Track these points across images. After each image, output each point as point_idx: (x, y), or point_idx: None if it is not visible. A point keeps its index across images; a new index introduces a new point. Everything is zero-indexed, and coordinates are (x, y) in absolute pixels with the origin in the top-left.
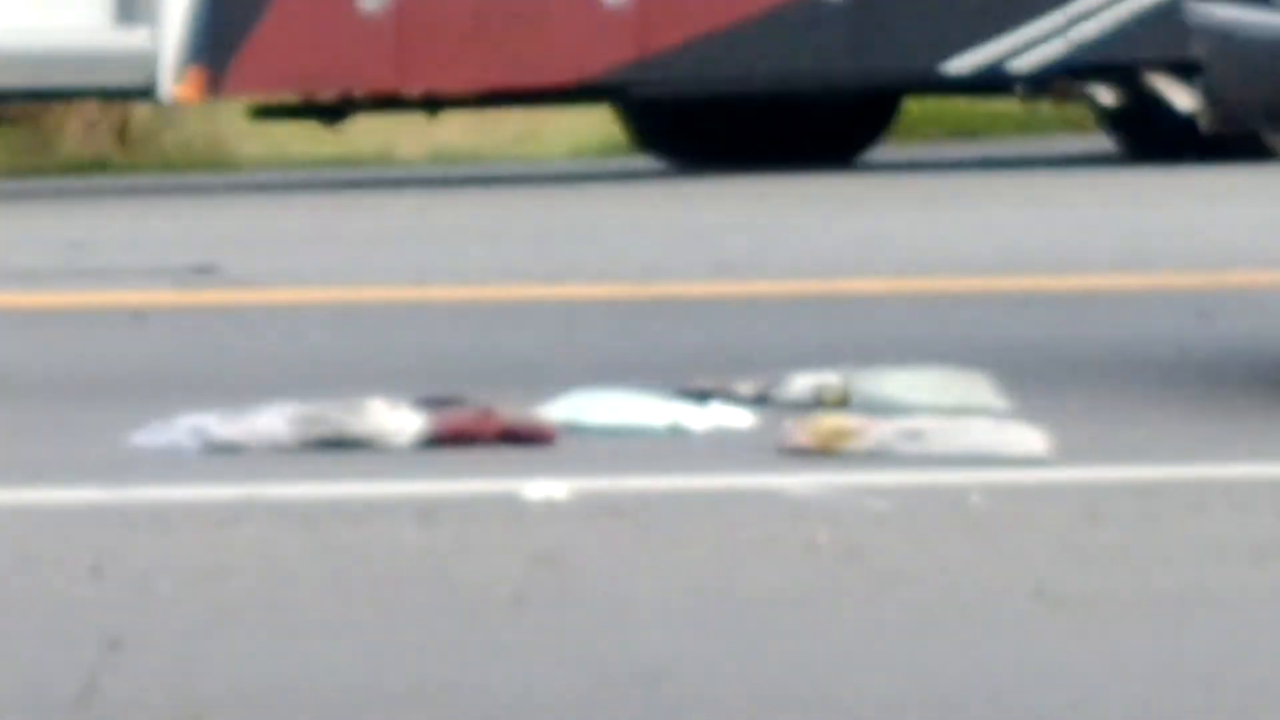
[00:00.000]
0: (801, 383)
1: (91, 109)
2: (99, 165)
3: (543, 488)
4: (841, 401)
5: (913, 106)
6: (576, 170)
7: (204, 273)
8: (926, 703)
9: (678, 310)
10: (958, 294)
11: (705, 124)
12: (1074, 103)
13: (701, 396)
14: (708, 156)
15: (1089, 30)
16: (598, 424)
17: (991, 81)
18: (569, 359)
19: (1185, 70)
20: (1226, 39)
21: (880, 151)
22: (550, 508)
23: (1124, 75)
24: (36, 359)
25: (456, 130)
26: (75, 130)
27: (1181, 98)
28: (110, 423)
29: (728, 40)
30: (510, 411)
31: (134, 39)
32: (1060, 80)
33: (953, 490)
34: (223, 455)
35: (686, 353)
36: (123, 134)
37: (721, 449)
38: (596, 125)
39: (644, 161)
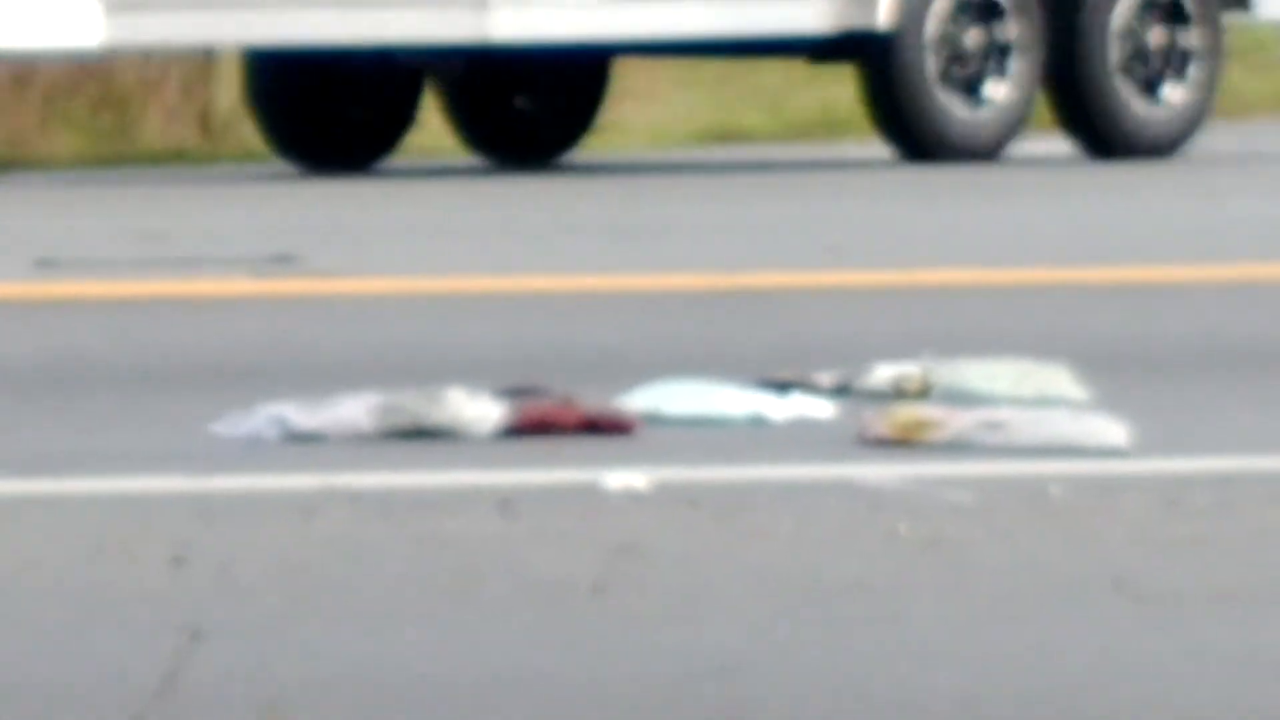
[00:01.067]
0: (882, 373)
1: (173, 97)
2: (180, 154)
3: (622, 478)
4: (921, 392)
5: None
6: (657, 160)
7: (284, 262)
8: (1005, 695)
9: (759, 301)
10: (1038, 285)
11: None
12: None
13: (782, 387)
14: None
15: None
16: (678, 414)
17: None
18: (649, 349)
19: None
20: None
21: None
22: (630, 498)
23: None
24: (117, 349)
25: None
26: (156, 119)
27: None
28: (191, 412)
29: None
30: (590, 401)
31: None
32: None
33: (1032, 481)
34: (303, 445)
35: (767, 344)
36: (204, 123)
37: (801, 440)
38: (676, 117)
39: (723, 151)
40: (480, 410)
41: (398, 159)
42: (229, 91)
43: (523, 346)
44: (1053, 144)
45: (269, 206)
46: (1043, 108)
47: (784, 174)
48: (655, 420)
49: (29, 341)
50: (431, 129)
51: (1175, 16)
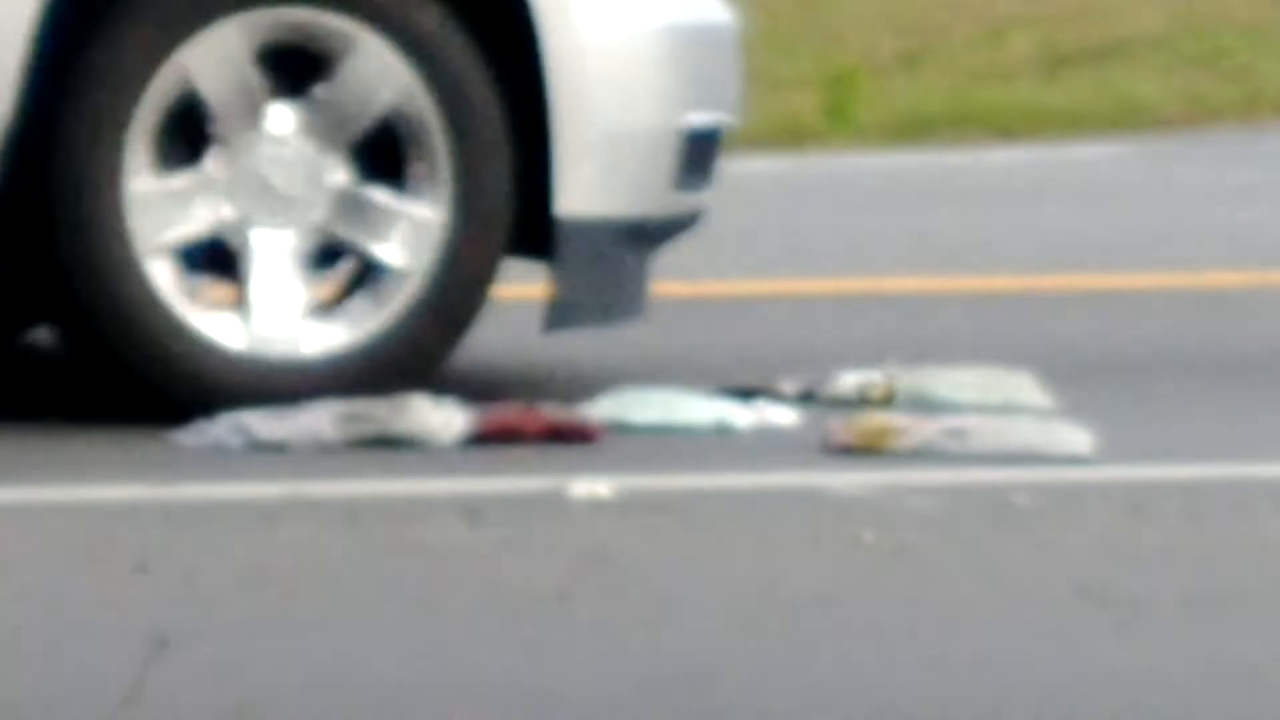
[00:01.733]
0: (847, 381)
1: None
2: None
3: (587, 485)
4: (886, 400)
5: (956, 105)
6: None
7: None
8: (971, 701)
9: (722, 308)
10: (1002, 292)
11: None
12: None
13: (746, 394)
14: None
15: None
16: (642, 422)
17: None
18: (613, 357)
19: None
20: None
21: (926, 148)
22: (595, 505)
23: None
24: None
25: None
26: None
27: None
28: (155, 420)
29: None
30: (554, 409)
31: None
32: None
33: (997, 489)
34: (267, 453)
35: (731, 351)
36: None
37: (766, 447)
38: None
39: None
40: (445, 418)
41: None
42: None
43: (488, 355)
44: (1014, 152)
45: None
46: (979, 114)
47: (748, 181)
48: (620, 428)
49: None
50: None
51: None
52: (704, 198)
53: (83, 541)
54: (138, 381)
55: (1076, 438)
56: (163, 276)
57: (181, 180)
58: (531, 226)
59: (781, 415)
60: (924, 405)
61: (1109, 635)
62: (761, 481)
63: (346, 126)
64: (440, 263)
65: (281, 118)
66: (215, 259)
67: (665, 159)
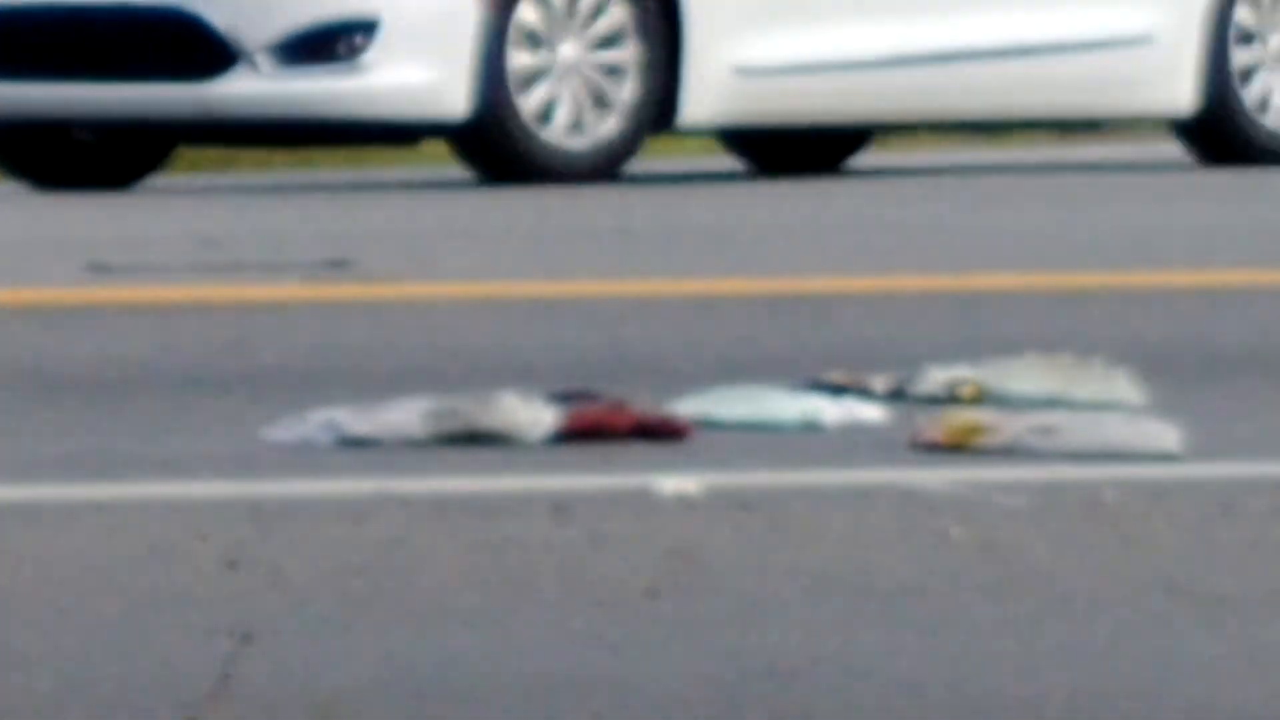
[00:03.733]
0: (935, 378)
1: None
2: (230, 160)
3: (675, 482)
4: (976, 397)
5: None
6: (710, 164)
7: (337, 267)
8: (1060, 698)
9: (812, 305)
10: (1091, 289)
11: None
12: None
13: (834, 391)
14: None
15: None
16: (730, 419)
17: None
18: (702, 354)
19: None
20: None
21: (1010, 146)
22: (683, 502)
23: None
24: (169, 353)
25: None
26: None
27: None
28: (242, 417)
29: None
30: (642, 406)
31: None
32: None
33: (1086, 486)
34: (355, 450)
35: (819, 348)
36: None
37: (854, 444)
38: None
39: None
40: (532, 415)
41: (450, 166)
42: None
43: (575, 351)
44: (1102, 149)
45: (321, 212)
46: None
47: (836, 178)
48: (708, 425)
49: (83, 346)
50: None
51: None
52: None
53: (171, 539)
54: None
55: (1166, 435)
56: None
57: None
58: None
59: (870, 412)
60: (1013, 402)
61: (1197, 631)
62: (849, 478)
63: None
64: None
65: None
66: None
67: None
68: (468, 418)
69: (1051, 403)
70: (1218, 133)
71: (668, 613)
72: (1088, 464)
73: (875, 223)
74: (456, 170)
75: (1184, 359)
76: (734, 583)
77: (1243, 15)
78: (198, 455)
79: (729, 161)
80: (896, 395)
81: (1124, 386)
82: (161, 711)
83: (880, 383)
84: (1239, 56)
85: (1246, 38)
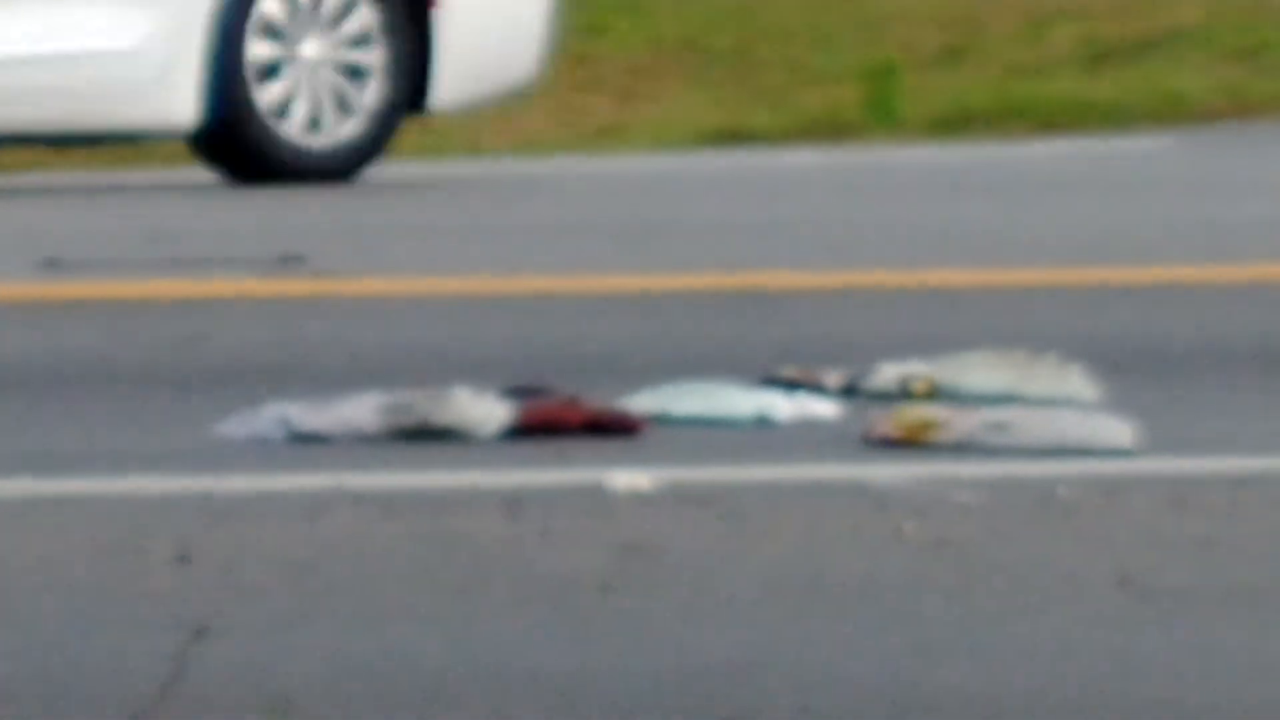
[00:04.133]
0: (888, 373)
1: None
2: (186, 154)
3: (628, 478)
4: (929, 393)
5: (997, 98)
6: (662, 160)
7: (290, 263)
8: (1014, 693)
9: (764, 301)
10: (1046, 285)
11: None
12: None
13: (788, 387)
14: None
15: None
16: (683, 414)
17: None
18: (655, 349)
19: None
20: None
21: (968, 141)
22: (636, 498)
23: None
24: (122, 349)
25: (542, 122)
26: None
27: None
28: (196, 412)
29: None
30: (596, 401)
31: None
32: None
33: (1039, 482)
34: (308, 445)
35: (773, 344)
36: None
37: (807, 440)
38: (681, 118)
39: (729, 151)
40: (486, 410)
41: (405, 158)
42: None
43: (528, 346)
44: (1055, 146)
45: (275, 207)
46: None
47: (790, 174)
48: (661, 420)
49: (34, 341)
50: (441, 128)
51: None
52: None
53: (123, 533)
54: None
55: (1120, 430)
56: None
57: None
58: None
59: (823, 408)
60: (966, 397)
61: (1152, 627)
62: (803, 474)
63: None
64: None
65: None
66: None
67: None
68: (421, 413)
69: (1005, 398)
70: (230, 147)
71: (621, 608)
72: (1042, 459)
73: (826, 219)
74: (414, 166)
75: (1138, 355)
76: (687, 578)
77: (269, 12)
78: (150, 450)
79: (688, 153)
80: (850, 391)
81: (1077, 382)
82: (114, 706)
83: (833, 378)
84: (260, 59)
85: (273, 35)
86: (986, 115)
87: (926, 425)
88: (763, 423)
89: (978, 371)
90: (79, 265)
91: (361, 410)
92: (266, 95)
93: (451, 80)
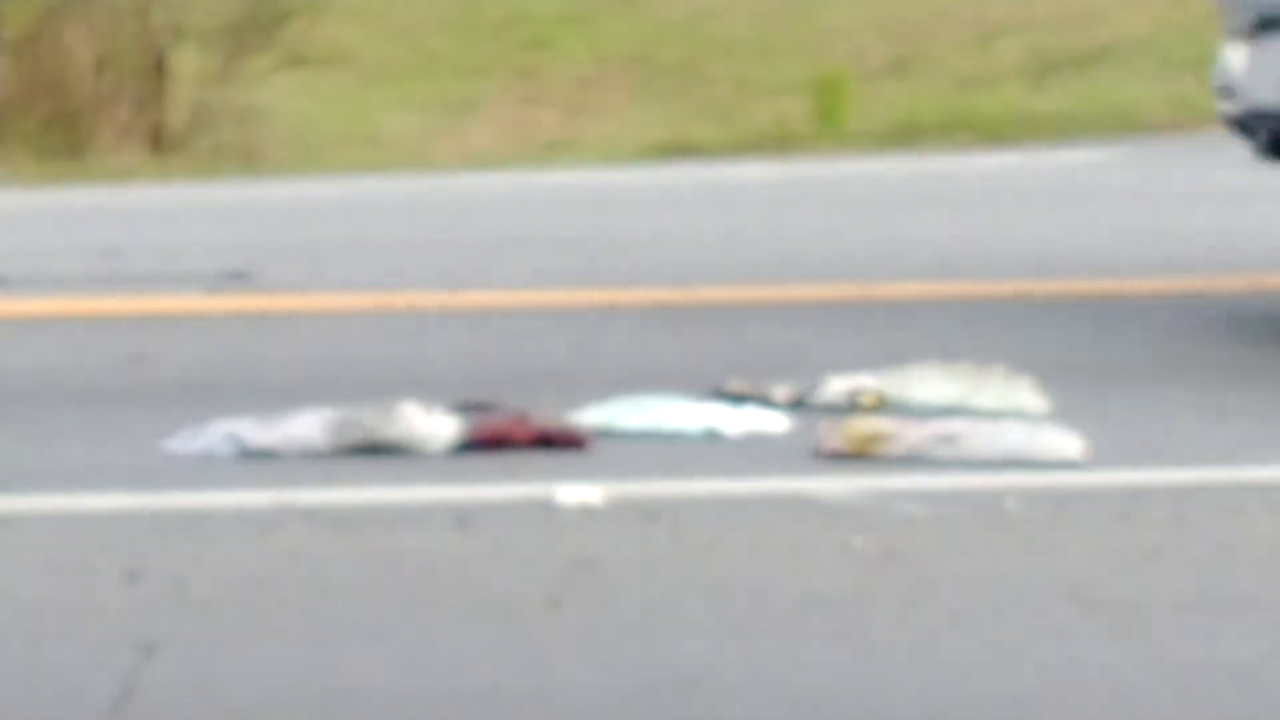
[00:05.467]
0: (837, 386)
1: (124, 114)
2: (131, 172)
3: (577, 492)
4: (877, 405)
5: (944, 111)
6: (610, 174)
7: (237, 279)
8: (962, 706)
9: (712, 315)
10: (993, 297)
11: None
12: None
13: (736, 400)
14: None
15: None
16: (632, 428)
17: None
18: (603, 364)
19: None
20: None
21: (910, 155)
22: (585, 512)
23: None
24: (70, 366)
25: (490, 136)
26: (108, 137)
27: None
28: (144, 429)
29: None
30: (544, 416)
31: None
32: None
33: (988, 494)
34: (257, 461)
35: (721, 357)
36: (156, 140)
37: (756, 453)
38: (629, 132)
39: (676, 165)
40: (434, 425)
41: (352, 173)
42: (181, 109)
43: (476, 361)
44: (1002, 157)
45: (222, 223)
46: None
47: (737, 186)
48: (609, 434)
49: None
50: (388, 144)
51: None
52: None
53: (72, 550)
54: None
55: (1067, 442)
56: None
57: None
58: None
59: (772, 421)
60: (914, 410)
61: (1101, 639)
62: (751, 487)
63: None
64: None
65: None
66: None
67: None
68: (369, 429)
69: (953, 411)
70: None
71: (570, 623)
72: (990, 472)
73: (773, 231)
74: (361, 181)
75: (1085, 367)
76: (636, 593)
77: None
78: (98, 467)
79: (635, 167)
80: (798, 404)
81: (1025, 394)
82: None
83: (782, 392)
84: None
85: None
86: (934, 127)
87: (875, 438)
88: (711, 436)
89: (926, 384)
90: (24, 282)
91: (310, 426)
92: None
93: None
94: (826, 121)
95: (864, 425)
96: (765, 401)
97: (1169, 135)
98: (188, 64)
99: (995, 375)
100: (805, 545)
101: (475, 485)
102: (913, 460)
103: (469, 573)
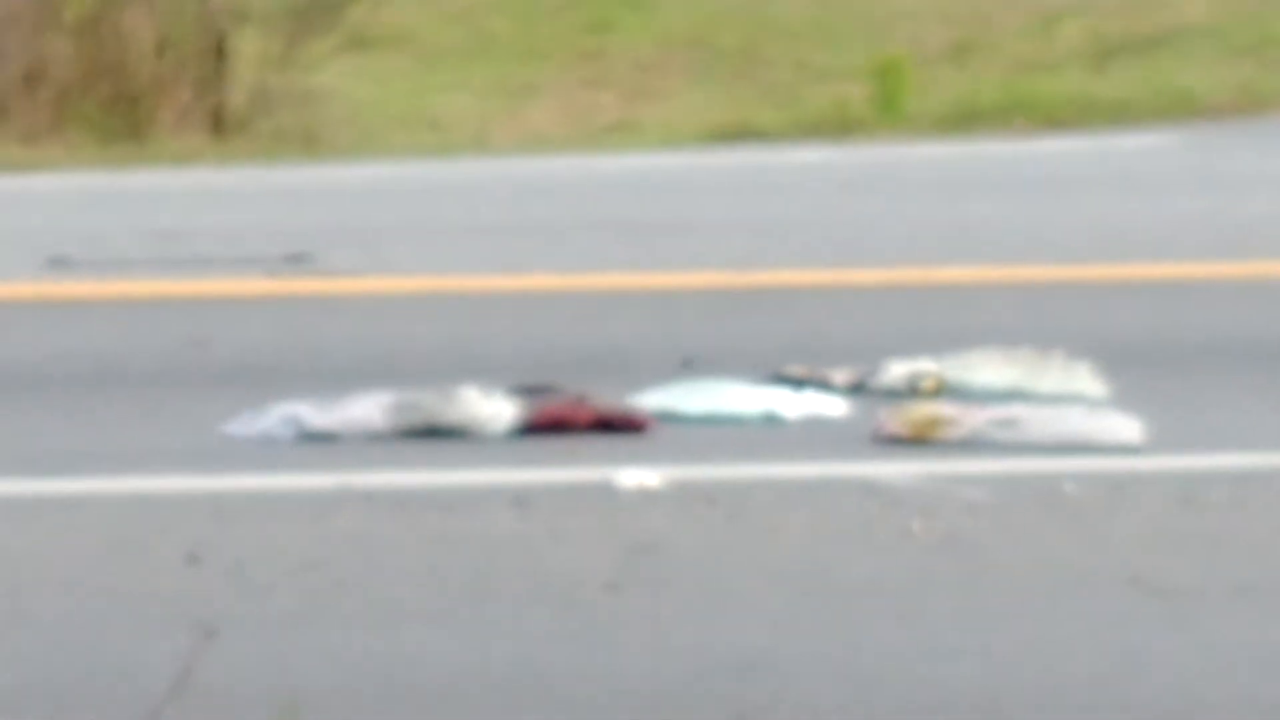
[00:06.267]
0: (897, 371)
1: (185, 97)
2: (192, 154)
3: (637, 476)
4: (937, 390)
5: (1004, 94)
6: (671, 157)
7: (298, 262)
8: (1022, 689)
9: (773, 299)
10: (1053, 282)
11: None
12: None
13: (796, 385)
14: None
15: None
16: (692, 412)
17: None
18: (664, 347)
19: None
20: None
21: (970, 140)
22: (644, 496)
23: None
24: (131, 349)
25: (549, 119)
26: (168, 119)
27: None
28: (205, 412)
29: None
30: (604, 400)
31: None
32: None
33: (1047, 478)
34: (317, 444)
35: (782, 341)
36: (216, 122)
37: (816, 437)
38: (689, 115)
39: (737, 149)
40: (494, 409)
41: (412, 156)
42: (241, 91)
43: (537, 345)
44: (1063, 141)
45: (282, 206)
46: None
47: (797, 171)
48: (669, 418)
49: (43, 342)
50: (448, 127)
51: None
52: None
53: (133, 533)
54: None
55: (1127, 427)
56: None
57: None
58: None
59: (831, 405)
60: (974, 394)
61: (1159, 623)
62: (811, 472)
63: None
64: None
65: None
66: None
67: None
68: (429, 412)
69: (1012, 395)
70: None
71: (629, 606)
72: (1049, 456)
73: (833, 216)
74: (421, 165)
75: (1145, 352)
76: (695, 576)
77: None
78: (158, 450)
79: (696, 151)
80: (858, 388)
81: (1085, 379)
82: (124, 707)
83: (841, 376)
84: None
85: None
86: (994, 111)
87: (934, 422)
88: (771, 421)
89: (985, 369)
90: (86, 265)
91: (370, 409)
92: None
93: None
94: (886, 106)
95: (923, 410)
96: (825, 386)
97: (1230, 120)
98: (248, 46)
99: (1055, 360)
100: (864, 529)
101: (535, 468)
102: (972, 445)
103: (528, 556)
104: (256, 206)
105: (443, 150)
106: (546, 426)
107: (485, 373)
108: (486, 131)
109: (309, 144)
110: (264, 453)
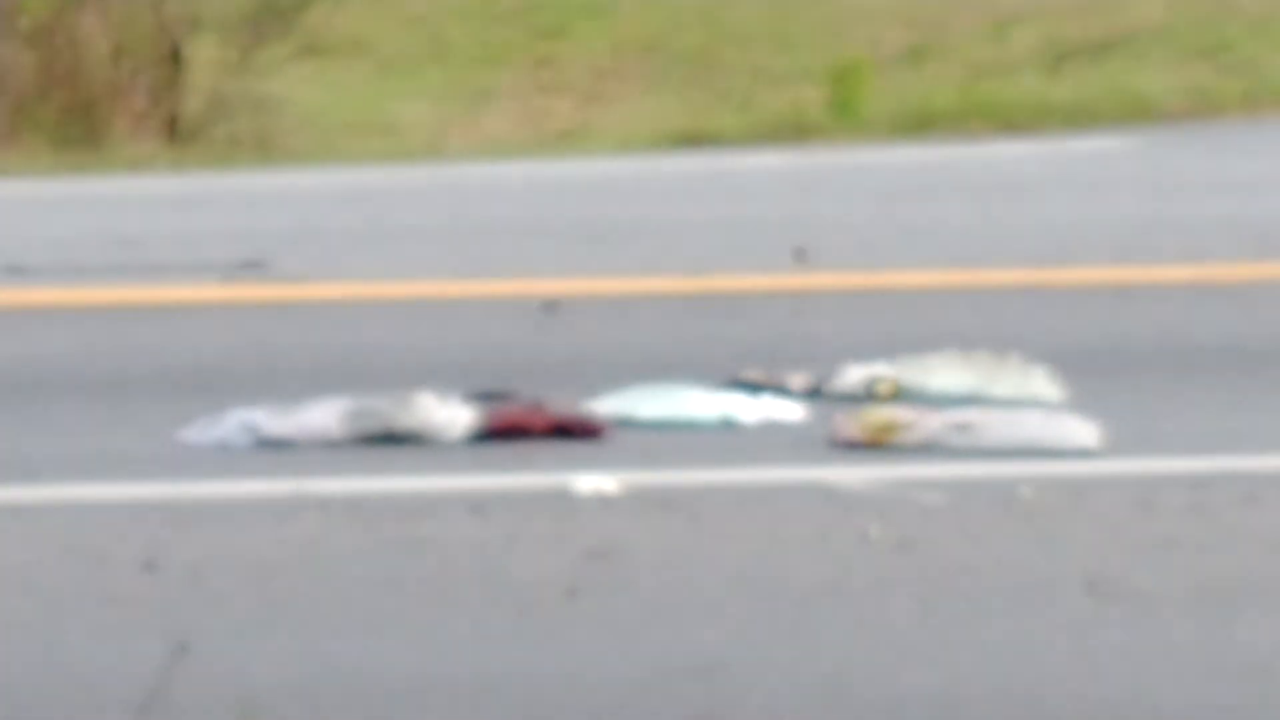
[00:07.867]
0: (853, 375)
1: (141, 104)
2: (147, 160)
3: (593, 481)
4: (893, 394)
5: (960, 98)
6: (626, 162)
7: (253, 268)
8: (979, 693)
9: (728, 304)
10: (1009, 285)
11: None
12: None
13: (753, 389)
14: None
15: None
16: (648, 417)
17: None
18: (619, 352)
19: None
20: None
21: (926, 143)
22: (601, 501)
23: None
24: (87, 355)
25: (505, 124)
26: (124, 126)
27: None
28: (161, 419)
29: None
30: (561, 405)
31: None
32: None
33: (1003, 482)
34: (273, 451)
35: (738, 346)
36: (172, 129)
37: (773, 442)
38: (645, 120)
39: (693, 153)
40: (451, 415)
41: (367, 162)
42: (197, 98)
43: (493, 350)
44: (1019, 145)
45: (238, 212)
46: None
47: (753, 175)
48: (626, 423)
49: None
50: (404, 132)
51: None
52: None
53: (90, 540)
54: None
55: (1083, 431)
56: None
57: None
58: None
59: (788, 410)
60: (930, 399)
61: (1116, 627)
62: (768, 476)
63: None
64: None
65: None
66: None
67: None
68: (386, 418)
69: (969, 399)
70: None
71: (587, 611)
72: (1006, 460)
73: (789, 220)
74: (376, 170)
75: (1102, 355)
76: (653, 581)
77: None
78: (114, 457)
79: (652, 156)
80: (814, 393)
81: (1042, 383)
82: (82, 713)
83: (798, 381)
84: None
85: None
86: (950, 115)
87: (891, 427)
88: (727, 425)
89: (942, 373)
90: (42, 271)
91: (326, 415)
92: None
93: None
94: (843, 110)
95: (880, 414)
96: (781, 390)
97: (1184, 124)
98: (204, 53)
99: (1011, 364)
100: (821, 534)
101: (492, 474)
102: (929, 449)
103: (486, 561)
104: (212, 213)
105: (399, 156)
106: (503, 432)
107: (441, 378)
108: (442, 137)
109: (264, 150)
110: (220, 460)
